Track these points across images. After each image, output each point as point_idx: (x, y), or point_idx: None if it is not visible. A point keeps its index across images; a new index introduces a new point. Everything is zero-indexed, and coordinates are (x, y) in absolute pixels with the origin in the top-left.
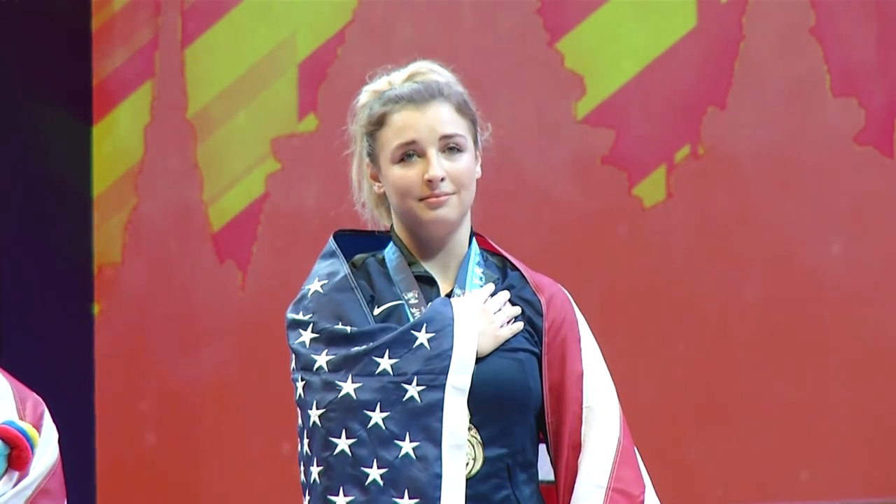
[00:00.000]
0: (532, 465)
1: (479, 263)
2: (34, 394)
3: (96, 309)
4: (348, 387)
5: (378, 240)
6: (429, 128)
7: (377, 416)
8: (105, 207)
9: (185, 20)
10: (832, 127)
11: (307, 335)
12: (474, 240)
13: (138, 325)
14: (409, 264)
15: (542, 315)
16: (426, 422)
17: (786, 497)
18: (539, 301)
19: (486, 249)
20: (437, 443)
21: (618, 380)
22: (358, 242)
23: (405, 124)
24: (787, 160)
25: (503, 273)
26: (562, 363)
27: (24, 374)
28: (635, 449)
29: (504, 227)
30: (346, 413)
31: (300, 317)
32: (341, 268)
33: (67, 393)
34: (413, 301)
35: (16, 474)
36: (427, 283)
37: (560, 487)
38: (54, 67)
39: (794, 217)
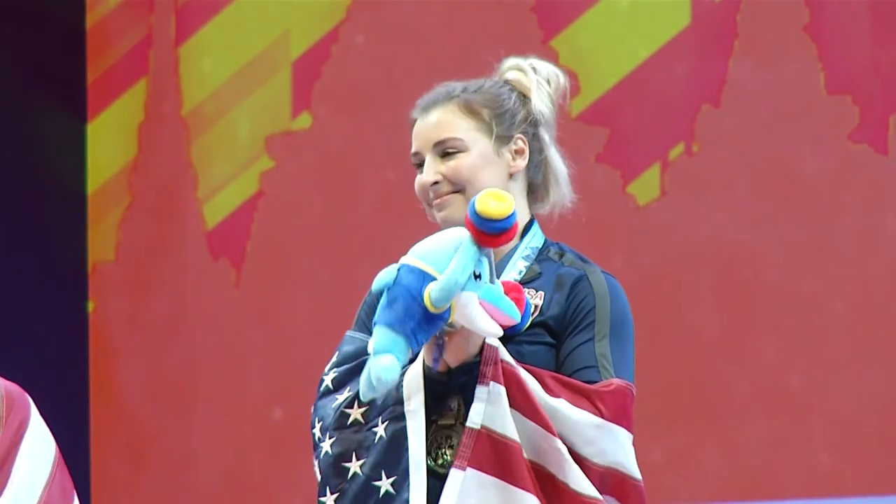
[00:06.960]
0: None
1: (526, 258)
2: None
3: (90, 307)
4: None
5: None
6: (425, 136)
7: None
8: (99, 205)
9: (179, 18)
10: (826, 125)
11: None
12: (534, 235)
13: (132, 323)
14: None
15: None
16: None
17: (786, 495)
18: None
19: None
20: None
21: None
22: None
23: (415, 134)
24: (781, 158)
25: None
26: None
27: (17, 373)
28: None
29: None
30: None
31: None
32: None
33: (61, 391)
34: None
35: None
36: None
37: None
38: (48, 65)
39: (788, 215)
